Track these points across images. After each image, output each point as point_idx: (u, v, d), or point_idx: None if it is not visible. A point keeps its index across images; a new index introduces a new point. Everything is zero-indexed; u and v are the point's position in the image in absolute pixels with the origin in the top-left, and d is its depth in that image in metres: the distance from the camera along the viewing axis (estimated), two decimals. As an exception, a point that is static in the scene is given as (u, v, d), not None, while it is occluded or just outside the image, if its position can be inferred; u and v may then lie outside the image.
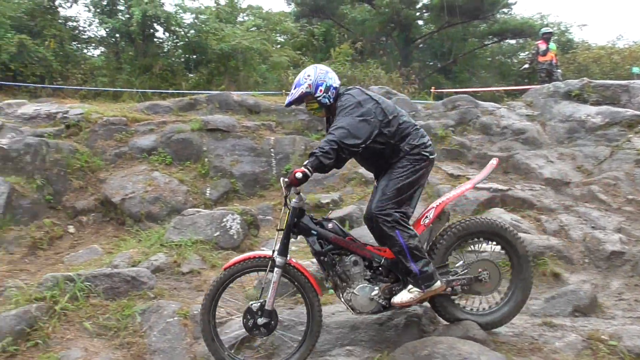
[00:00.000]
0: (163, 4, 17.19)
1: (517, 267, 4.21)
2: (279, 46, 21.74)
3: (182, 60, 18.80)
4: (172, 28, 17.54)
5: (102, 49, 19.40)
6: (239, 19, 22.34)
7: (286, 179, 3.74)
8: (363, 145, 3.72)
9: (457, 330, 4.18)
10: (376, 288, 3.94)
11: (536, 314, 5.06)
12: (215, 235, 6.94)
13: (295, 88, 4.06)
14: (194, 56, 18.71)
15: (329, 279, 3.98)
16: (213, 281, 4.07)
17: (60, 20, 17.60)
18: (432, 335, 4.28)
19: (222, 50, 17.07)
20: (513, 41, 29.53)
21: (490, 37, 28.94)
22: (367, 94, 3.97)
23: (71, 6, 18.53)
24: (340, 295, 3.98)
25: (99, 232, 8.61)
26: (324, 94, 3.97)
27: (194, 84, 17.75)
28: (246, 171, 9.89)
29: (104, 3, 17.83)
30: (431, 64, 30.35)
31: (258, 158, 10.14)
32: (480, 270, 4.11)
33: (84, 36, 19.11)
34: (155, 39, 18.22)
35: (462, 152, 9.99)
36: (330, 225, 3.95)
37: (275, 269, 3.84)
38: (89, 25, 19.35)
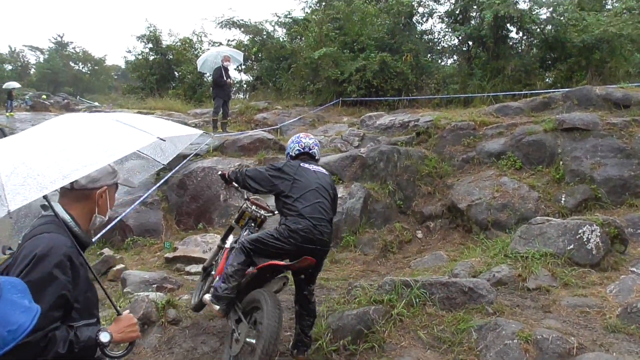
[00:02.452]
0: (517, 2, 16.43)
1: None
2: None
3: (537, 59, 17.60)
4: (526, 26, 16.57)
5: (454, 57, 19.81)
6: (608, 6, 19.69)
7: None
8: (253, 190, 4.67)
9: None
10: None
11: None
12: (568, 248, 5.95)
13: None
14: (551, 54, 17.31)
15: None
16: None
17: (416, 35, 18.68)
18: None
19: (583, 43, 15.26)
20: None
21: None
22: (292, 169, 4.56)
23: (427, 20, 19.48)
24: None
25: (446, 239, 8.53)
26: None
27: (550, 83, 16.39)
28: (611, 175, 8.38)
29: (457, 12, 18.14)
30: None
31: (627, 160, 8.49)
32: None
33: (437, 47, 19.87)
34: (507, 40, 17.57)
35: None
36: (245, 233, 4.94)
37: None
38: (443, 36, 20.07)
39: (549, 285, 5.52)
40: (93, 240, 7.47)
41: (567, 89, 12.10)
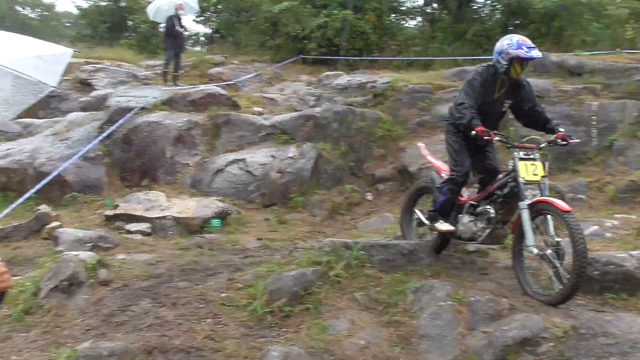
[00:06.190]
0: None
1: None
2: (620, -3, 18.37)
3: (500, 24, 17.56)
4: (491, -10, 16.53)
5: (419, 19, 19.59)
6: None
7: None
8: None
9: None
10: None
11: None
12: (511, 213, 5.99)
13: None
14: (513, 19, 17.33)
15: None
16: None
17: (382, -6, 18.33)
18: None
19: (545, 9, 15.31)
20: None
21: None
22: None
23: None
24: None
25: (394, 201, 8.51)
26: None
27: (510, 49, 16.38)
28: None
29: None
30: None
31: (575, 127, 8.59)
32: None
33: (402, 8, 19.56)
34: (471, 4, 17.43)
35: None
36: None
37: None
38: (408, -4, 19.79)
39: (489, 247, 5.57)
40: (27, 195, 7.16)
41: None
